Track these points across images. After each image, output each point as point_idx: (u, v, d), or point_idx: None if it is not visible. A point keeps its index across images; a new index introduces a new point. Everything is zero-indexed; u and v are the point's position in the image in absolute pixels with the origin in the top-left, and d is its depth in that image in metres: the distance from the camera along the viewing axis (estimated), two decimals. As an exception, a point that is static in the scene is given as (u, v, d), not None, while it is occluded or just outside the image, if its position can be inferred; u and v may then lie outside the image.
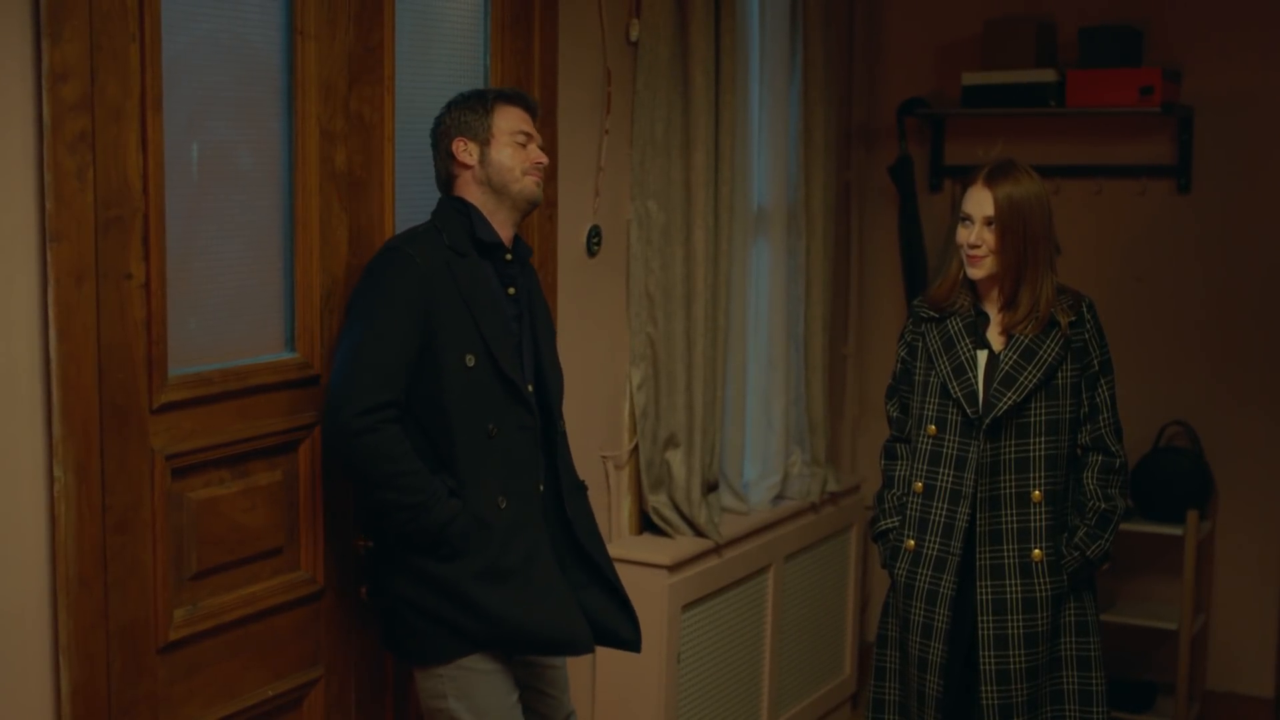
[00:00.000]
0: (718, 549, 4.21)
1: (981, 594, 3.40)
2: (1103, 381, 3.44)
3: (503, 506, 2.90)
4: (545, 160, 3.05)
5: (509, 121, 3.00)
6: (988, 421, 3.37)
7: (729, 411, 4.47)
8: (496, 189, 2.98)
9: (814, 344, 4.78)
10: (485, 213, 2.98)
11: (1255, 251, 4.85)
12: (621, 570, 3.98)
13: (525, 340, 3.04)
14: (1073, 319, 3.39)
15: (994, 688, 3.39)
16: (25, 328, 2.41)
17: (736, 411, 4.52)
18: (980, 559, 3.40)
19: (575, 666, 3.72)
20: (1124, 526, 4.76)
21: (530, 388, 3.01)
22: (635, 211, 3.99)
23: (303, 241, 2.95)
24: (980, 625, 3.40)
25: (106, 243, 2.50)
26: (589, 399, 3.90)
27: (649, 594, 3.92)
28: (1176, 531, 4.69)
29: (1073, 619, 3.43)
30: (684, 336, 4.13)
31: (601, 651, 3.99)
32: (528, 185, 3.00)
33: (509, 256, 3.00)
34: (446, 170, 3.02)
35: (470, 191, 3.00)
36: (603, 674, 4.03)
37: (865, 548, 5.20)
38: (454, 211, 2.98)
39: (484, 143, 2.98)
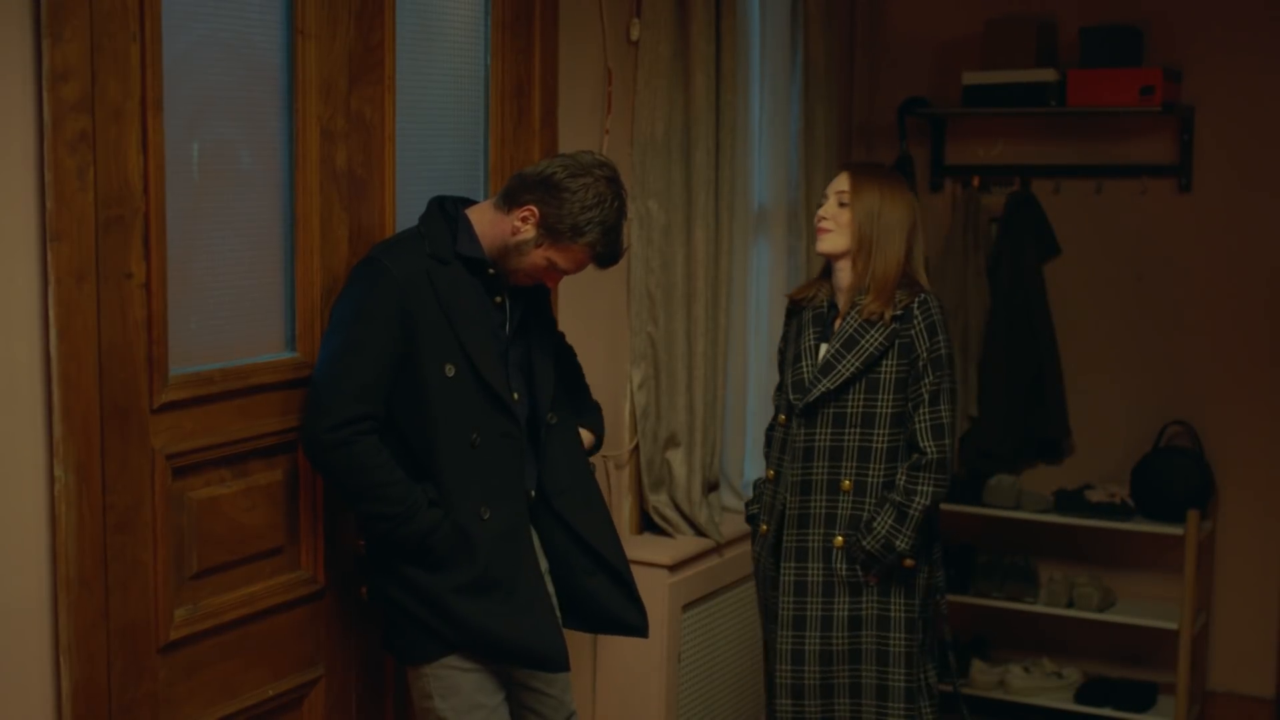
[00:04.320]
0: (718, 548, 4.21)
1: (785, 575, 3.46)
2: (928, 378, 3.36)
3: (486, 517, 2.89)
4: (552, 287, 3.02)
5: (570, 259, 2.91)
6: (800, 406, 3.42)
7: (729, 411, 4.47)
8: (502, 254, 2.93)
9: (815, 343, 4.78)
10: (479, 232, 2.94)
11: (1256, 251, 4.85)
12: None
13: (516, 348, 3.02)
14: (899, 313, 3.37)
15: (788, 666, 3.44)
16: (26, 327, 2.41)
17: (737, 411, 4.52)
18: (786, 541, 3.46)
19: (576, 666, 3.72)
20: (1125, 526, 4.77)
21: (516, 396, 2.99)
22: (636, 211, 3.99)
23: (303, 241, 2.95)
24: (781, 605, 3.46)
25: (107, 242, 2.49)
26: (590, 398, 3.90)
27: (650, 593, 3.91)
28: (1177, 531, 4.69)
29: (874, 612, 3.42)
30: (685, 336, 4.13)
31: (603, 651, 4.00)
32: (518, 280, 2.97)
33: (492, 271, 2.95)
34: (506, 200, 2.93)
35: (490, 224, 2.93)
36: (604, 673, 4.03)
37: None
38: (441, 219, 2.93)
39: (539, 241, 2.89)
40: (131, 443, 2.58)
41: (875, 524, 3.35)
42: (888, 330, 3.35)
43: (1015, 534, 5.14)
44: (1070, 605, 4.88)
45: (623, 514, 4.14)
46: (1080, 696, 4.89)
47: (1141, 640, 4.96)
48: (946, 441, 3.37)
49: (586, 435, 3.23)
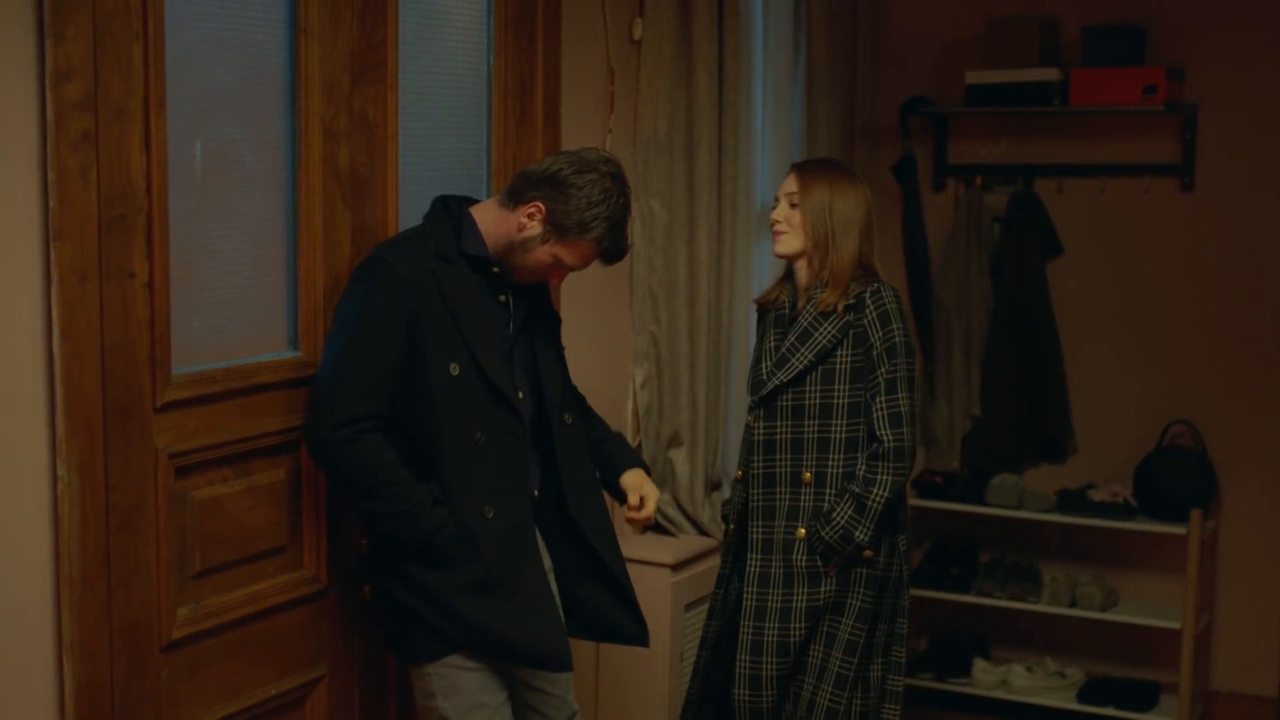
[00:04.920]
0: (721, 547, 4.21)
1: (750, 566, 3.49)
2: (884, 367, 3.38)
3: (490, 516, 2.88)
4: (556, 284, 3.03)
5: (576, 255, 2.92)
6: (754, 399, 3.47)
7: (732, 410, 4.47)
8: (507, 252, 2.93)
9: (817, 343, 4.78)
10: (484, 230, 2.93)
11: (1259, 250, 4.84)
12: (624, 569, 3.97)
13: (521, 347, 3.03)
14: (851, 303, 3.39)
15: (747, 656, 3.46)
16: (29, 327, 2.41)
17: (739, 410, 4.52)
18: (752, 533, 3.49)
19: (579, 666, 3.72)
20: (1128, 525, 4.77)
21: (521, 395, 2.99)
22: (639, 210, 3.99)
23: (306, 240, 2.95)
24: (745, 596, 3.49)
25: (110, 241, 2.49)
26: (592, 398, 3.88)
27: (652, 592, 3.92)
28: (1180, 531, 4.69)
29: (831, 599, 3.45)
30: (687, 335, 4.13)
31: (605, 650, 3.99)
32: (522, 277, 2.98)
33: (496, 270, 2.94)
34: (512, 198, 2.92)
35: (495, 222, 2.93)
36: (606, 673, 4.03)
37: (868, 547, 5.20)
38: (445, 217, 2.93)
39: (545, 237, 2.88)
40: (134, 442, 2.58)
41: (834, 515, 3.38)
42: (841, 322, 3.38)
43: (1018, 533, 5.14)
44: (1073, 605, 4.87)
45: (625, 513, 4.13)
46: (1083, 696, 4.89)
47: (1144, 640, 4.96)
48: (905, 430, 3.38)
49: (640, 475, 3.22)
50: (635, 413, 4.11)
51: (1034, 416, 5.03)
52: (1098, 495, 4.84)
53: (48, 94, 2.38)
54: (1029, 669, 4.99)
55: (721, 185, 4.22)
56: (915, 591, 5.06)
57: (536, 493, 3.06)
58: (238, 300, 2.86)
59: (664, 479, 4.17)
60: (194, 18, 2.69)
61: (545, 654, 2.94)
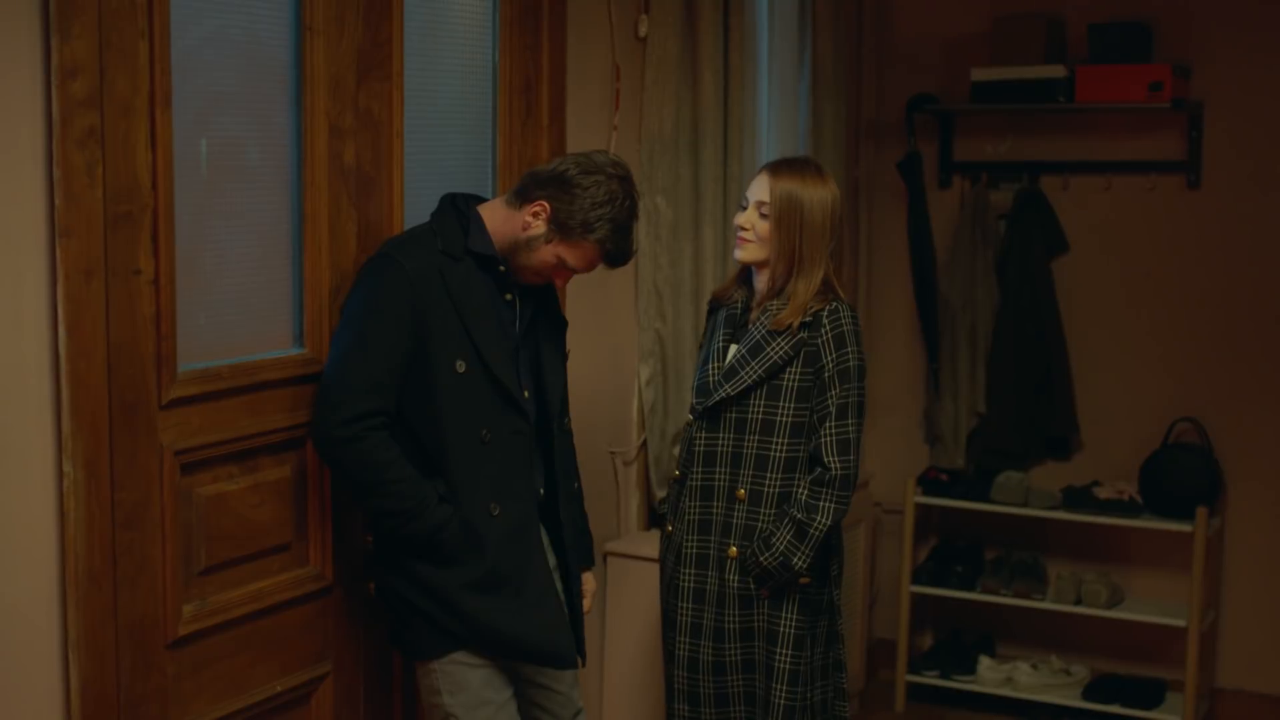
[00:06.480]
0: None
1: (684, 580, 3.38)
2: (834, 390, 3.24)
3: (495, 514, 2.89)
4: (561, 286, 3.04)
5: (580, 256, 2.92)
6: (699, 409, 3.35)
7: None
8: (513, 251, 2.93)
9: (822, 340, 4.78)
10: (491, 229, 2.94)
11: (1265, 247, 4.84)
12: (629, 566, 3.99)
13: (526, 347, 3.02)
14: (807, 320, 3.25)
15: (684, 673, 3.38)
16: (35, 323, 2.41)
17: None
18: (686, 548, 3.37)
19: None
20: (1133, 523, 4.76)
21: (526, 394, 2.99)
22: (644, 208, 3.98)
23: (311, 237, 2.95)
24: (680, 611, 3.38)
25: (116, 238, 2.50)
26: (597, 395, 3.90)
27: (653, 589, 3.91)
28: (1186, 528, 4.68)
29: (764, 625, 3.32)
30: (692, 333, 4.13)
31: (610, 647, 4.00)
32: (527, 277, 2.98)
33: (503, 269, 2.95)
34: (519, 197, 2.93)
35: (502, 220, 2.94)
36: (611, 670, 4.03)
37: (873, 545, 5.20)
38: (453, 215, 2.93)
39: (549, 237, 2.89)
40: (140, 439, 2.58)
41: (774, 540, 3.24)
42: (794, 340, 3.25)
43: (1023, 531, 5.14)
44: (1078, 602, 4.87)
45: (630, 510, 4.14)
46: (1088, 693, 4.89)
47: (1150, 637, 4.96)
48: (851, 458, 3.25)
49: (590, 575, 3.27)
50: (640, 410, 4.11)
51: (1039, 414, 5.03)
52: (1103, 493, 4.84)
53: (53, 91, 2.38)
54: (1034, 666, 4.99)
55: (726, 183, 4.22)
56: (920, 589, 5.07)
57: (542, 491, 3.06)
58: (243, 297, 2.86)
59: (669, 476, 4.17)
60: (199, 15, 2.69)
61: (550, 651, 2.95)
